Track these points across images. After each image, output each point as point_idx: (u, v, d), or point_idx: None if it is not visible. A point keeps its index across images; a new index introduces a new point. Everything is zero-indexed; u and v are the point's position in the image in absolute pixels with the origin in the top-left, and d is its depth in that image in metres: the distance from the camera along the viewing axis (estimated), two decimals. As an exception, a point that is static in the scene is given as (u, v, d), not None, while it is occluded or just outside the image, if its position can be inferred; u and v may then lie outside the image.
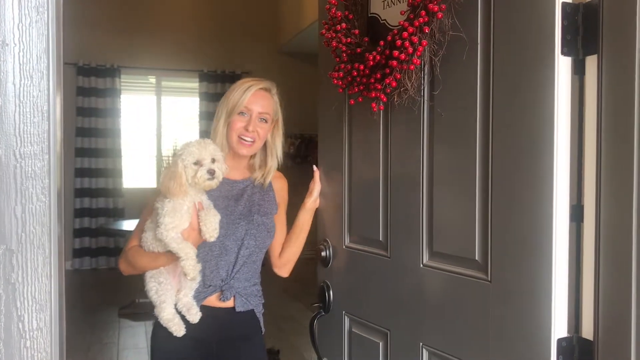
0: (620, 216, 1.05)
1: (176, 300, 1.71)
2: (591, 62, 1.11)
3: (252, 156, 1.84)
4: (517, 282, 1.18)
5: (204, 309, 1.73)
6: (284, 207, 1.89)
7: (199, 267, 1.60)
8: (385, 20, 1.49)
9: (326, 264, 1.76)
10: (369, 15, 1.54)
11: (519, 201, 1.18)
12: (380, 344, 1.57)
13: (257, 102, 1.75)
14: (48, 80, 0.75)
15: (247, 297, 1.78)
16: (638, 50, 1.01)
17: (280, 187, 1.89)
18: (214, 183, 1.61)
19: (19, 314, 0.73)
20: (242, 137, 1.74)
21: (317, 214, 1.82)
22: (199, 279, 1.67)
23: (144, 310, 4.82)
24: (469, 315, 1.30)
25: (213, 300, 1.75)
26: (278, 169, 1.88)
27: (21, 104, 0.73)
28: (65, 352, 0.82)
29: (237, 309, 1.76)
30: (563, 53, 1.12)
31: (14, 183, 0.73)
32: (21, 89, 0.73)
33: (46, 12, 0.73)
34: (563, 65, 1.12)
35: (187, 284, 1.70)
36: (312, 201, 1.79)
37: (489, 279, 1.25)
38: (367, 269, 1.61)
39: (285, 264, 1.87)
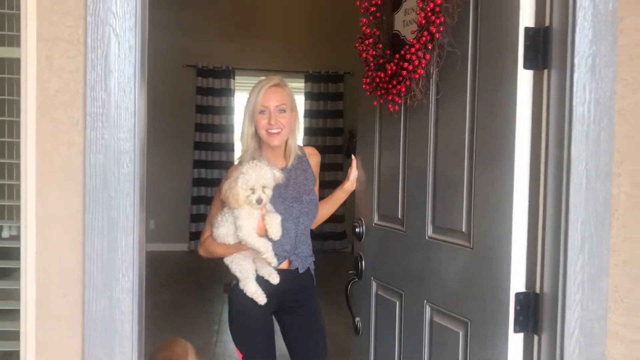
0: (556, 197, 1.33)
1: (258, 271, 2.15)
2: (546, 75, 1.39)
3: (284, 144, 2.19)
4: (489, 248, 1.49)
5: (279, 273, 2.15)
6: (317, 178, 2.29)
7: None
8: (404, 36, 1.82)
9: (360, 239, 2.12)
10: (393, 32, 1.88)
11: (492, 185, 1.48)
12: (397, 303, 1.91)
13: (271, 98, 2.10)
14: (134, 93, 1.20)
15: (305, 259, 2.21)
16: (569, 67, 1.29)
17: (315, 163, 2.30)
18: (260, 206, 2.00)
19: (115, 235, 1.19)
20: (269, 130, 2.09)
21: (354, 196, 2.19)
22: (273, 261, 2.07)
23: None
24: (457, 276, 1.61)
25: (283, 265, 2.18)
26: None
27: (118, 108, 1.19)
28: (145, 264, 1.28)
29: (300, 271, 2.19)
30: (525, 67, 1.40)
31: (113, 155, 1.19)
32: (118, 98, 1.19)
33: (134, 50, 1.19)
34: (525, 77, 1.40)
35: (261, 262, 2.13)
36: (349, 184, 2.18)
37: (471, 246, 1.56)
38: (389, 241, 1.95)
39: (314, 223, 2.28)
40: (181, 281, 6.69)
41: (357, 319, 2.17)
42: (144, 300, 1.29)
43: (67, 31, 1.21)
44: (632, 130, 1.30)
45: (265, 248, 2.01)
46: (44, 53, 1.22)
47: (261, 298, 2.11)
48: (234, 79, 8.20)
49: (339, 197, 2.23)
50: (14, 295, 1.27)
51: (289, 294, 2.21)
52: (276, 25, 8.08)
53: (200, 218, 8.15)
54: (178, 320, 4.90)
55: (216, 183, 8.79)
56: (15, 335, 1.27)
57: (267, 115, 2.09)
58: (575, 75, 1.28)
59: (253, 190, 1.96)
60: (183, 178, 8.19)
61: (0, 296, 1.34)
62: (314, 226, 2.30)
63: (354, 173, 2.18)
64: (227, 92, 8.19)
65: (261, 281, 2.14)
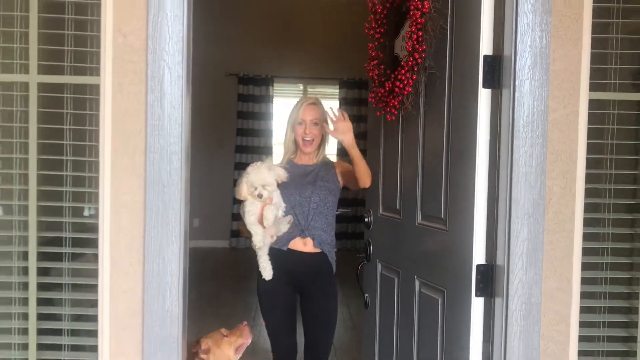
0: (505, 188, 1.69)
1: (272, 241, 2.57)
2: (500, 93, 1.75)
3: (316, 149, 2.67)
4: (458, 230, 1.86)
5: (291, 252, 2.59)
6: (348, 166, 2.64)
7: (267, 238, 2.50)
8: (401, 59, 2.21)
9: (369, 227, 2.52)
10: (394, 54, 2.27)
11: (460, 180, 1.85)
12: (395, 279, 2.29)
13: (308, 113, 2.60)
14: (182, 109, 1.64)
15: (321, 242, 2.60)
16: (512, 88, 1.65)
17: (342, 167, 2.69)
18: (262, 200, 2.45)
19: (167, 214, 1.63)
20: (304, 138, 2.60)
21: (365, 191, 2.58)
22: (266, 242, 2.52)
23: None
24: (437, 254, 1.99)
25: (299, 245, 2.59)
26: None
27: (170, 120, 1.63)
28: (188, 236, 1.72)
29: (314, 247, 2.58)
30: (484, 86, 1.77)
31: (166, 155, 1.63)
32: (170, 114, 1.63)
33: (182, 78, 1.63)
34: (484, 95, 1.77)
35: (275, 227, 2.57)
36: (340, 138, 2.44)
37: (447, 229, 1.93)
38: (390, 228, 2.34)
39: (361, 182, 2.53)
40: (223, 274, 7.20)
41: (366, 295, 2.56)
42: (187, 263, 1.73)
43: (133, 65, 1.66)
44: (563, 136, 1.65)
45: (255, 232, 2.47)
46: (117, 81, 1.67)
47: (267, 274, 2.54)
48: (272, 86, 8.69)
49: (351, 155, 2.49)
50: (94, 258, 1.73)
51: (306, 276, 2.60)
52: (312, 36, 8.53)
53: (241, 217, 8.66)
54: (219, 307, 5.43)
55: (255, 184, 9.11)
56: (94, 288, 1.73)
57: (303, 126, 2.62)
58: (517, 94, 1.65)
59: (254, 186, 2.44)
60: (225, 179, 8.73)
61: (83, 259, 1.80)
62: (362, 183, 2.54)
63: (335, 126, 2.46)
64: (267, 99, 8.69)
65: (279, 261, 2.56)
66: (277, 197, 2.51)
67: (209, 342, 2.19)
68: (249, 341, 2.30)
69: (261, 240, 2.48)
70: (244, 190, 2.48)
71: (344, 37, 8.53)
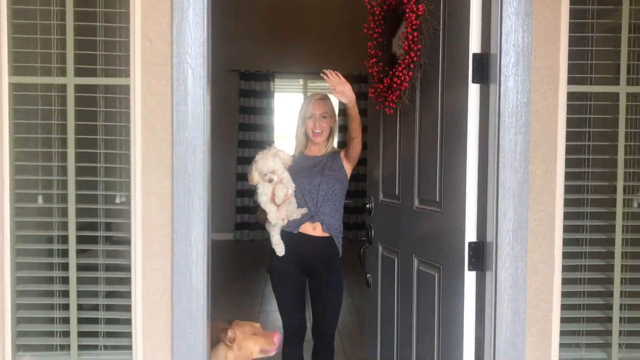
0: (493, 173, 1.89)
1: (284, 224, 2.80)
2: (487, 88, 1.95)
3: (325, 141, 2.89)
4: (452, 212, 2.06)
5: (301, 235, 2.80)
6: (349, 170, 2.89)
7: (282, 219, 2.75)
8: (399, 57, 2.41)
9: (370, 213, 2.72)
10: (391, 53, 2.47)
11: (453, 166, 2.05)
12: (395, 259, 2.50)
13: (317, 108, 2.84)
14: (203, 106, 1.84)
15: (329, 227, 2.82)
16: (498, 83, 1.85)
17: (344, 151, 2.90)
18: (271, 184, 2.69)
19: (192, 199, 1.83)
20: (314, 131, 2.83)
21: (366, 179, 2.78)
22: (278, 223, 2.75)
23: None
24: (433, 234, 2.19)
25: (308, 229, 2.81)
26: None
27: (194, 116, 1.83)
28: (210, 221, 1.92)
29: (323, 231, 2.80)
30: (473, 81, 1.97)
31: (191, 147, 1.83)
32: (193, 110, 1.83)
33: (203, 78, 1.83)
34: (473, 89, 1.97)
35: (286, 209, 2.79)
36: (345, 100, 2.65)
37: (442, 211, 2.13)
38: (390, 213, 2.55)
39: (353, 133, 2.77)
40: (228, 266, 7.41)
41: (369, 275, 2.77)
42: (210, 245, 1.93)
43: (160, 67, 1.86)
44: (544, 125, 1.85)
45: (270, 210, 2.73)
46: (145, 82, 1.87)
47: (279, 250, 2.78)
48: (273, 81, 8.88)
49: (350, 114, 2.72)
50: (126, 241, 1.93)
51: (314, 258, 2.81)
52: (312, 31, 8.72)
53: (244, 210, 8.87)
54: (228, 296, 5.64)
55: (258, 177, 9.24)
56: (127, 268, 1.93)
57: (313, 119, 2.87)
58: (502, 88, 1.85)
59: (262, 172, 2.71)
60: (229, 174, 8.93)
61: (115, 241, 2.01)
62: (354, 133, 2.77)
63: (336, 87, 2.65)
64: (268, 94, 8.88)
65: (290, 243, 2.77)
66: (286, 177, 2.75)
67: (238, 332, 2.30)
68: (274, 351, 2.38)
69: (275, 217, 2.71)
70: (255, 176, 2.73)
71: (343, 32, 8.72)
